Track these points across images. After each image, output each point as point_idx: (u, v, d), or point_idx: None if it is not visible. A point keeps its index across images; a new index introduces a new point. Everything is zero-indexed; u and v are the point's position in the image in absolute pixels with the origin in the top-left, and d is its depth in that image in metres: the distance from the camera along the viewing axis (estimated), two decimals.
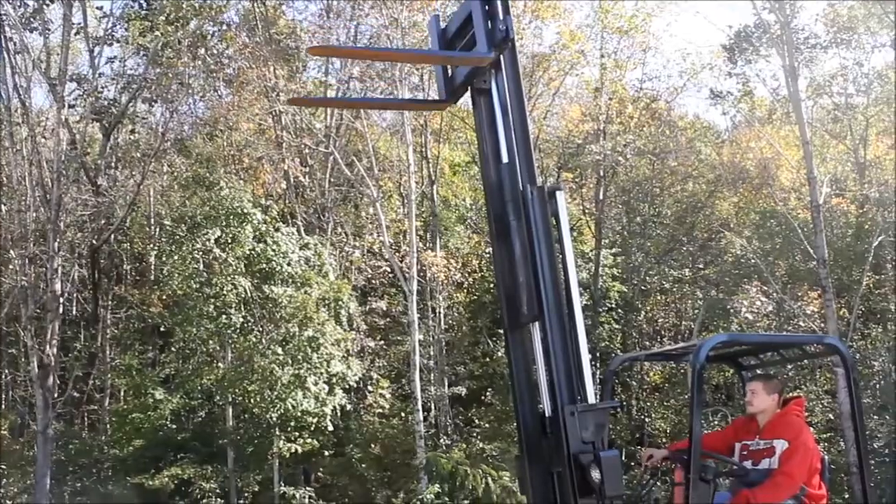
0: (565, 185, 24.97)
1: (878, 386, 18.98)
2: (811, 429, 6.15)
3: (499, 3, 4.57)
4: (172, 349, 19.64)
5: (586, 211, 24.81)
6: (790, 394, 6.52)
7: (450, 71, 4.99)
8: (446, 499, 15.83)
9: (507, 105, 4.61)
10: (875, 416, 17.58)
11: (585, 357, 4.53)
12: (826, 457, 5.52)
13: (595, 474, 4.33)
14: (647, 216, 24.51)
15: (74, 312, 22.42)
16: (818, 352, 7.00)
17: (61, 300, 18.75)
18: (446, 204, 22.74)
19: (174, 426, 19.07)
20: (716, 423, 16.17)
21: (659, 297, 24.55)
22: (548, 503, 4.59)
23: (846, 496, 15.56)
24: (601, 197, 23.37)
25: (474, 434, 20.22)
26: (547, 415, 4.49)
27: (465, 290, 22.39)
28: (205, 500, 16.10)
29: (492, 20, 4.57)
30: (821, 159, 21.32)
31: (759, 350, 5.86)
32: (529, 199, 4.49)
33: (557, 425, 4.43)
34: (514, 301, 4.55)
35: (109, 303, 21.58)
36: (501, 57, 4.61)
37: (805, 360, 19.54)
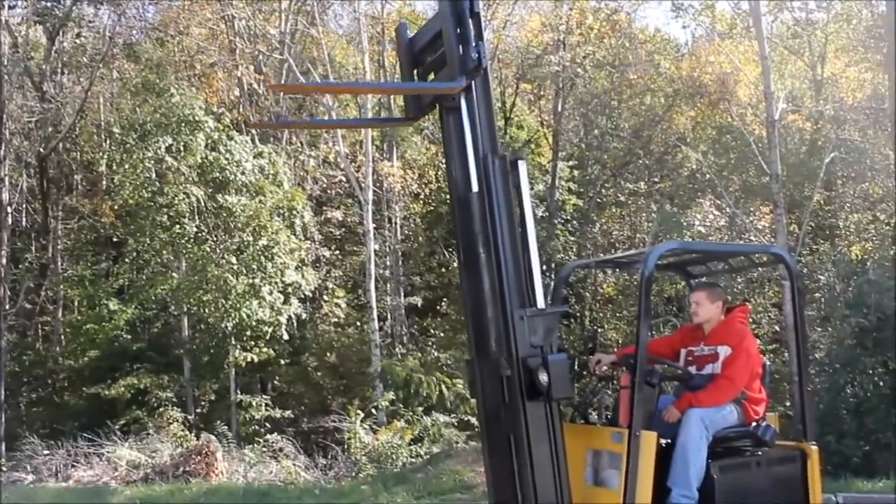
0: (524, 96, 24.80)
1: (822, 299, 19.47)
2: (755, 337, 6.30)
3: (471, 26, 4.41)
4: (126, 260, 19.47)
5: (544, 123, 24.70)
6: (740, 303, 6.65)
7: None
8: (401, 405, 16.13)
9: (478, 129, 4.50)
10: (819, 328, 18.07)
11: (536, 264, 4.56)
12: (767, 362, 5.68)
13: (543, 377, 4.42)
14: (604, 129, 24.47)
15: (24, 223, 22.01)
16: (764, 261, 7.13)
17: (9, 210, 18.39)
18: (403, 113, 22.45)
19: (129, 337, 19.07)
20: (667, 333, 16.53)
21: (614, 210, 24.73)
22: (496, 406, 4.70)
23: (787, 403, 16.12)
24: (559, 109, 23.21)
25: (429, 343, 20.49)
26: (497, 320, 4.54)
27: (422, 201, 22.35)
28: (161, 409, 16.18)
29: (464, 45, 4.41)
30: (778, 75, 21.30)
31: (706, 258, 5.93)
32: (491, 169, 4.47)
33: (507, 330, 4.49)
34: (483, 333, 4.56)
35: (60, 213, 21.22)
36: (473, 82, 4.48)
37: (754, 272, 20.04)
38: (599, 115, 24.56)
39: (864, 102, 21.21)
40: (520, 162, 4.54)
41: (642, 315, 4.99)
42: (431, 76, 4.82)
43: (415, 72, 4.88)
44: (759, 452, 5.23)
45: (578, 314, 22.65)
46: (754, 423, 5.22)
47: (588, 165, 24.24)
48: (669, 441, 5.01)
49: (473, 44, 4.40)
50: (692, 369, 5.34)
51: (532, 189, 21.65)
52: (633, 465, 4.67)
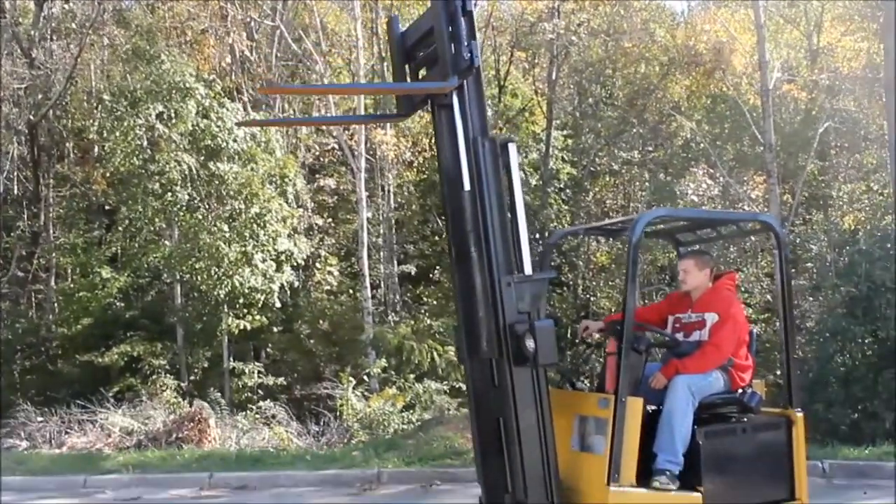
0: (518, 63, 24.64)
1: (814, 269, 19.55)
2: (744, 305, 6.33)
3: (464, 25, 4.34)
4: (118, 227, 19.39)
5: (538, 91, 24.57)
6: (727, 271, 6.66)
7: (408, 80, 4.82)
8: (393, 372, 16.20)
9: (470, 125, 4.46)
10: (810, 298, 18.16)
11: (524, 230, 4.57)
12: (755, 330, 5.70)
13: (529, 343, 4.44)
14: (598, 98, 24.36)
15: (16, 192, 21.89)
16: (753, 229, 7.13)
17: (0, 178, 18.28)
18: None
19: (122, 304, 19.06)
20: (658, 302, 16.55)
21: (608, 179, 24.69)
22: (483, 372, 4.72)
23: (778, 371, 16.22)
24: (554, 77, 23.08)
25: (422, 311, 20.52)
26: (485, 290, 4.55)
27: (415, 169, 22.26)
28: (154, 376, 16.24)
29: (456, 44, 4.34)
30: (774, 44, 21.22)
31: (695, 225, 5.92)
32: (480, 151, 4.45)
33: (494, 296, 4.50)
34: (474, 332, 4.58)
35: (51, 181, 21.10)
36: (465, 81, 4.43)
37: (746, 241, 20.08)
38: (594, 84, 24.42)
39: (859, 72, 21.15)
40: (510, 144, 4.54)
41: (630, 282, 5.00)
42: (424, 71, 4.78)
43: (406, 66, 4.82)
44: (745, 419, 5.27)
45: (571, 282, 22.69)
46: (740, 390, 5.25)
47: (582, 134, 24.15)
48: (656, 407, 5.05)
49: (466, 43, 4.33)
50: (679, 336, 5.36)
51: (526, 157, 21.64)
52: (619, 431, 4.70)
